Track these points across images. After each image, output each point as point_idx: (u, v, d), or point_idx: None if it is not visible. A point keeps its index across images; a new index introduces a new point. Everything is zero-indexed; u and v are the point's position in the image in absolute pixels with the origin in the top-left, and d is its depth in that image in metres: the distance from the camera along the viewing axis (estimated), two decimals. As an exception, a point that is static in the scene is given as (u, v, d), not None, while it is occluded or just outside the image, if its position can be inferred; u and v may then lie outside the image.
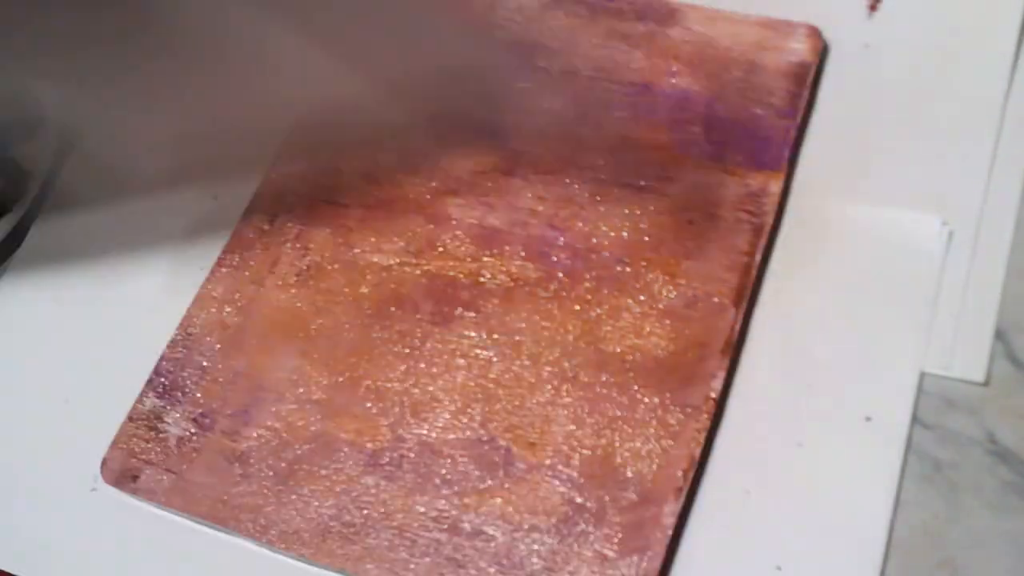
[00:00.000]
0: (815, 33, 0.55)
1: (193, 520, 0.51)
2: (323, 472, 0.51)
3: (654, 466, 0.47)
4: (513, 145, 0.57)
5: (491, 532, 0.48)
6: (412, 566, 0.48)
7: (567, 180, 0.55)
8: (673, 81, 0.56)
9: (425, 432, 0.51)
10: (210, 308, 0.56)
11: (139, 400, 0.54)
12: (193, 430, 0.53)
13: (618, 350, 0.50)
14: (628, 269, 0.52)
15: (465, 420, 0.50)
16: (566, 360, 0.51)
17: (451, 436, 0.50)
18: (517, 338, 0.52)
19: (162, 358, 0.55)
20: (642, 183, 0.54)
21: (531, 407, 0.50)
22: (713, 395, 0.47)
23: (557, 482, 0.48)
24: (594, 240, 0.53)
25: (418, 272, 0.55)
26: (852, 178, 0.52)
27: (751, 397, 0.49)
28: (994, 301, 0.48)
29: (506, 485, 0.49)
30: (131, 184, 0.63)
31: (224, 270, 0.57)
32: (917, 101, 0.53)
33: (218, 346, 0.55)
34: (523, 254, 0.54)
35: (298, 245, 0.57)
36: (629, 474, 0.47)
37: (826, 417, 0.47)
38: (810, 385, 0.48)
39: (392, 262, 0.56)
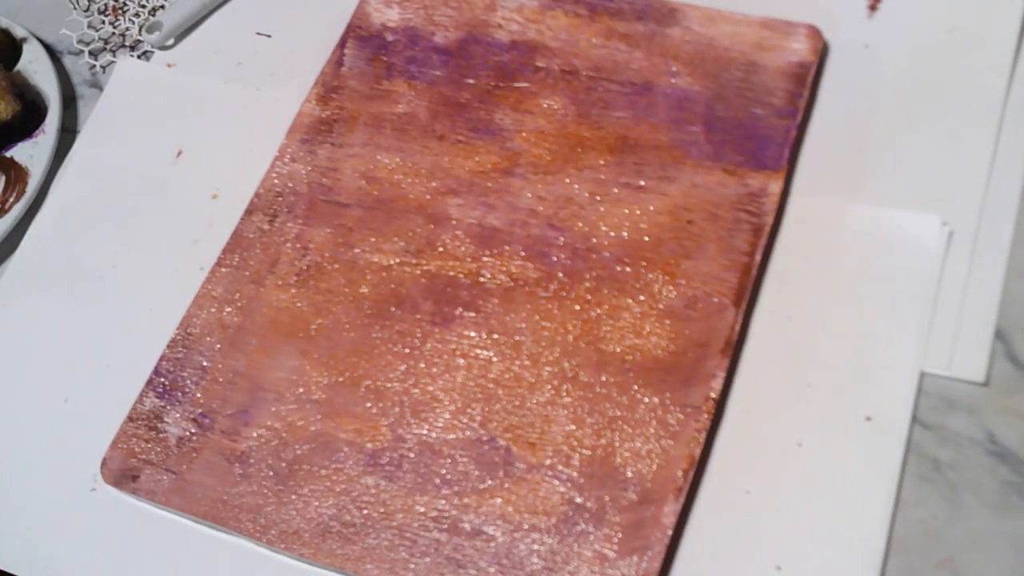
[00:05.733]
0: (815, 33, 0.55)
1: (193, 520, 0.51)
2: (323, 472, 0.51)
3: (654, 466, 0.47)
4: (513, 145, 0.57)
5: (491, 532, 0.48)
6: (412, 566, 0.48)
7: (567, 180, 0.55)
8: (673, 81, 0.56)
9: (425, 432, 0.51)
10: (210, 308, 0.56)
11: (139, 400, 0.54)
12: (193, 430, 0.53)
13: (618, 350, 0.50)
14: (628, 269, 0.52)
15: (465, 420, 0.50)
16: (566, 360, 0.51)
17: (451, 436, 0.50)
18: (517, 338, 0.52)
19: (162, 358, 0.55)
20: (642, 183, 0.54)
21: (531, 407, 0.50)
22: (713, 395, 0.47)
23: (557, 482, 0.48)
24: (594, 240, 0.53)
25: (418, 272, 0.55)
26: (852, 178, 0.52)
27: (751, 397, 0.49)
28: (994, 301, 0.48)
29: (506, 485, 0.49)
30: (131, 184, 0.63)
31: (224, 270, 0.57)
32: (917, 101, 0.53)
33: (218, 346, 0.55)
34: (523, 254, 0.54)
35: (298, 245, 0.57)
36: (629, 474, 0.47)
37: (826, 417, 0.47)
38: (810, 385, 0.48)
39: (392, 262, 0.56)
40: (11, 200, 0.64)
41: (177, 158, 0.63)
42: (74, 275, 0.61)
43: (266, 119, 0.62)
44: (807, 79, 0.54)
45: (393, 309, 0.54)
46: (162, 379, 0.55)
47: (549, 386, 0.50)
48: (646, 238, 0.53)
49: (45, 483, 0.55)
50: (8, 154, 0.65)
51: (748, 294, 0.50)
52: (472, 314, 0.53)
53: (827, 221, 0.52)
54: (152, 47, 0.68)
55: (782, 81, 0.54)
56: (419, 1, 0.62)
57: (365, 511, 0.49)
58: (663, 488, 0.46)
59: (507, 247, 0.54)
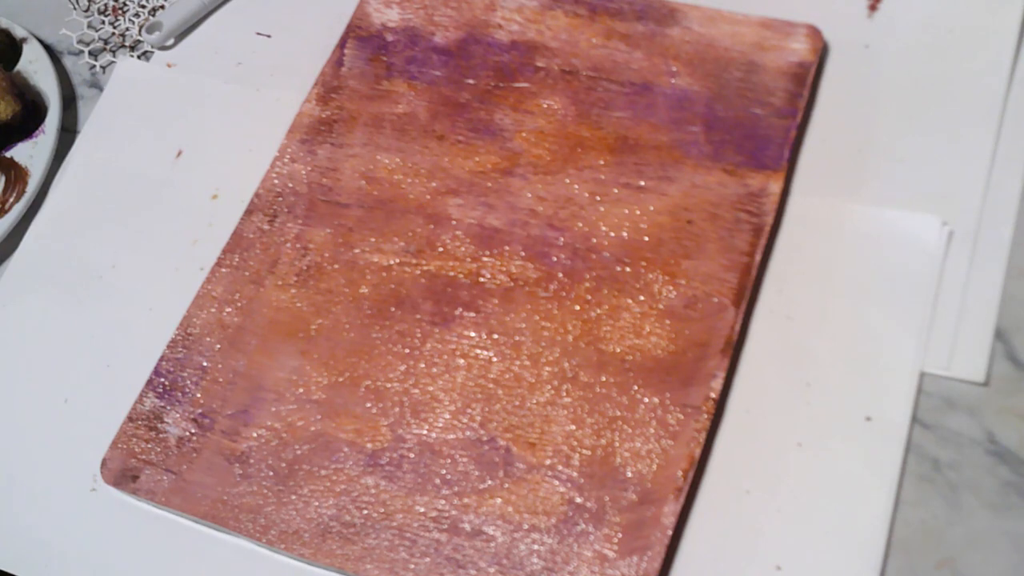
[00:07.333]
0: (815, 33, 0.55)
1: (193, 520, 0.51)
2: (323, 472, 0.51)
3: (654, 466, 0.47)
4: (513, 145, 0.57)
5: (491, 532, 0.48)
6: (412, 566, 0.48)
7: (567, 180, 0.55)
8: (673, 81, 0.56)
9: (425, 432, 0.51)
10: (210, 308, 0.56)
11: (139, 400, 0.54)
12: (193, 430, 0.53)
13: (618, 350, 0.50)
14: (628, 269, 0.52)
15: (465, 420, 0.50)
16: (566, 360, 0.51)
17: (451, 436, 0.50)
18: (517, 338, 0.52)
19: (162, 358, 0.55)
20: (642, 183, 0.54)
21: (531, 407, 0.50)
22: (713, 395, 0.47)
23: (557, 482, 0.48)
24: (594, 240, 0.53)
25: (418, 272, 0.55)
26: (852, 178, 0.52)
27: (751, 397, 0.49)
28: (994, 301, 0.48)
29: (506, 485, 0.49)
30: (131, 184, 0.63)
31: (224, 270, 0.57)
32: (917, 101, 0.53)
33: (218, 346, 0.55)
34: (523, 254, 0.54)
35: (298, 245, 0.57)
36: (629, 474, 0.47)
37: (826, 417, 0.47)
38: (810, 385, 0.48)
39: (392, 262, 0.56)
40: (11, 200, 0.64)
41: (177, 158, 0.63)
42: (74, 275, 0.61)
43: (266, 119, 0.62)
44: (807, 79, 0.54)
45: (393, 309, 0.54)
46: (162, 379, 0.55)
47: (549, 386, 0.50)
48: (646, 238, 0.53)
49: (45, 483, 0.55)
50: (8, 154, 0.65)
51: (748, 294, 0.50)
52: (472, 314, 0.53)
53: (827, 221, 0.52)
54: (152, 47, 0.68)
55: (782, 81, 0.54)
56: (419, 1, 0.62)
57: (365, 511, 0.49)
58: (663, 488, 0.46)
59: (507, 247, 0.54)
